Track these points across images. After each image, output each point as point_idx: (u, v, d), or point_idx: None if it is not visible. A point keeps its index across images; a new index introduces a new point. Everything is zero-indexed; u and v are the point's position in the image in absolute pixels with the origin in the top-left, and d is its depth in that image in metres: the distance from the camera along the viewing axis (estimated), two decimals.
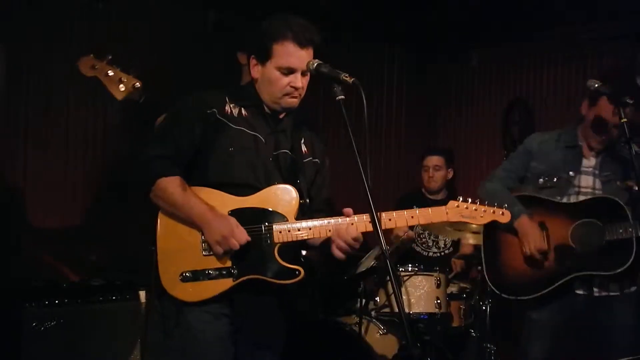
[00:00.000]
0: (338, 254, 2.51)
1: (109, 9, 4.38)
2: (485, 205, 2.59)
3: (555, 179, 3.37)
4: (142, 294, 3.68)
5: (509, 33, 5.28)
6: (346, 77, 2.39)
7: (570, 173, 3.35)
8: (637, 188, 3.24)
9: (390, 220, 2.53)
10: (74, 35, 4.27)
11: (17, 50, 4.05)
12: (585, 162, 3.38)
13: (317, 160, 2.76)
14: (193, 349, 2.47)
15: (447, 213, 2.56)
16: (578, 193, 3.33)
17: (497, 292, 3.38)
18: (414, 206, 5.07)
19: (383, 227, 2.38)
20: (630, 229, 3.12)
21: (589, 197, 3.30)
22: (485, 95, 6.00)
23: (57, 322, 3.40)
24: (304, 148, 2.73)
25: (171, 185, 2.46)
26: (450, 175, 5.08)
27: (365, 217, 2.49)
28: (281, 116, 2.67)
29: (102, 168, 4.39)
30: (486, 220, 2.60)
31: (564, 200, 3.33)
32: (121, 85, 3.10)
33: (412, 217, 2.55)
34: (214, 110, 2.54)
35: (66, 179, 4.26)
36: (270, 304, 2.62)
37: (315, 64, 2.49)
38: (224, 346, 2.50)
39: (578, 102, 4.88)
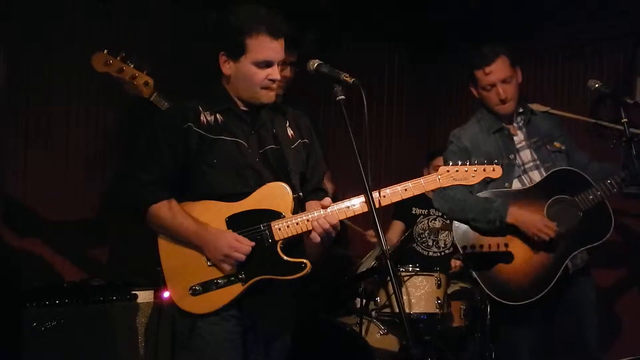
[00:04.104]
0: (315, 237, 2.49)
1: (109, 9, 4.38)
2: (475, 164, 2.55)
3: None
4: (142, 294, 3.67)
5: (509, 33, 5.26)
6: (346, 77, 2.40)
7: (511, 156, 3.34)
8: (563, 147, 3.37)
9: (384, 197, 2.49)
10: (74, 35, 4.25)
11: (17, 50, 4.05)
12: (516, 139, 3.40)
13: (306, 140, 2.73)
14: (203, 350, 2.48)
15: (439, 179, 2.54)
16: (524, 172, 3.34)
17: (507, 303, 3.22)
18: (413, 207, 5.13)
19: (379, 205, 2.38)
20: (599, 192, 3.16)
21: (537, 172, 3.30)
22: None
23: (58, 323, 3.39)
24: (290, 132, 2.69)
25: (162, 211, 2.47)
26: None
27: (362, 199, 2.47)
28: (257, 110, 2.63)
29: (102, 168, 4.38)
30: (479, 178, 2.56)
31: (516, 184, 3.31)
32: (133, 83, 3.17)
33: (406, 189, 2.52)
34: (190, 124, 2.50)
35: (66, 179, 4.25)
36: (277, 300, 2.61)
37: (316, 64, 2.49)
38: (233, 347, 2.51)
39: (578, 101, 4.93)
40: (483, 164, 2.56)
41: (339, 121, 2.36)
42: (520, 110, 3.45)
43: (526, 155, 3.37)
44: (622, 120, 3.11)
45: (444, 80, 6.28)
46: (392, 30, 5.56)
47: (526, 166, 3.36)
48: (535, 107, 3.60)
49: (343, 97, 2.41)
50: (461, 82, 6.14)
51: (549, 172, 3.29)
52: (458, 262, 4.71)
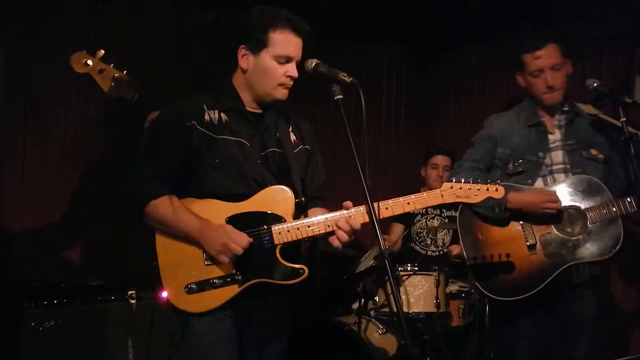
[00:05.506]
0: (337, 243, 2.48)
1: (108, 9, 4.38)
2: (478, 183, 2.56)
3: (524, 162, 3.25)
4: (140, 295, 3.67)
5: (509, 32, 5.26)
6: (344, 76, 2.38)
7: (540, 154, 3.25)
8: (602, 156, 3.24)
9: (387, 209, 2.49)
10: (73, 35, 4.26)
11: (16, 50, 4.06)
12: (551, 137, 3.29)
13: (307, 147, 2.72)
14: (197, 350, 2.47)
15: (442, 195, 2.54)
16: (551, 172, 3.24)
17: (496, 297, 3.21)
18: None
19: (381, 216, 2.38)
20: (614, 209, 3.07)
21: (563, 176, 3.21)
22: (484, 94, 5.98)
23: (56, 322, 3.40)
24: (292, 137, 2.68)
25: (161, 206, 2.45)
26: None
27: (363, 208, 2.46)
28: (262, 112, 2.62)
29: (100, 168, 4.38)
30: (481, 197, 2.55)
31: (539, 182, 3.23)
32: (113, 83, 3.07)
33: (408, 203, 2.52)
34: (193, 122, 2.49)
35: (66, 179, 4.26)
36: (273, 302, 2.60)
37: (314, 64, 2.47)
38: (228, 347, 2.49)
39: (577, 101, 4.91)
40: (487, 183, 2.56)
41: (338, 121, 2.36)
42: (565, 108, 3.32)
43: (557, 156, 3.26)
44: (621, 120, 3.09)
45: (444, 80, 6.28)
46: (392, 30, 5.56)
47: (554, 167, 3.25)
48: (585, 108, 3.42)
49: (341, 96, 2.40)
50: (460, 82, 6.16)
51: (569, 177, 3.20)
52: (457, 249, 4.68)
